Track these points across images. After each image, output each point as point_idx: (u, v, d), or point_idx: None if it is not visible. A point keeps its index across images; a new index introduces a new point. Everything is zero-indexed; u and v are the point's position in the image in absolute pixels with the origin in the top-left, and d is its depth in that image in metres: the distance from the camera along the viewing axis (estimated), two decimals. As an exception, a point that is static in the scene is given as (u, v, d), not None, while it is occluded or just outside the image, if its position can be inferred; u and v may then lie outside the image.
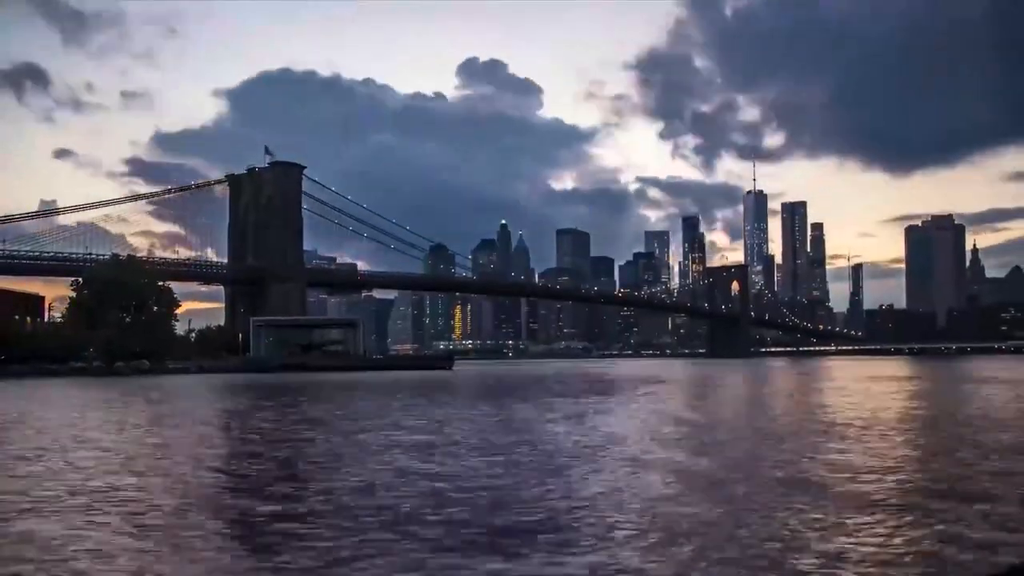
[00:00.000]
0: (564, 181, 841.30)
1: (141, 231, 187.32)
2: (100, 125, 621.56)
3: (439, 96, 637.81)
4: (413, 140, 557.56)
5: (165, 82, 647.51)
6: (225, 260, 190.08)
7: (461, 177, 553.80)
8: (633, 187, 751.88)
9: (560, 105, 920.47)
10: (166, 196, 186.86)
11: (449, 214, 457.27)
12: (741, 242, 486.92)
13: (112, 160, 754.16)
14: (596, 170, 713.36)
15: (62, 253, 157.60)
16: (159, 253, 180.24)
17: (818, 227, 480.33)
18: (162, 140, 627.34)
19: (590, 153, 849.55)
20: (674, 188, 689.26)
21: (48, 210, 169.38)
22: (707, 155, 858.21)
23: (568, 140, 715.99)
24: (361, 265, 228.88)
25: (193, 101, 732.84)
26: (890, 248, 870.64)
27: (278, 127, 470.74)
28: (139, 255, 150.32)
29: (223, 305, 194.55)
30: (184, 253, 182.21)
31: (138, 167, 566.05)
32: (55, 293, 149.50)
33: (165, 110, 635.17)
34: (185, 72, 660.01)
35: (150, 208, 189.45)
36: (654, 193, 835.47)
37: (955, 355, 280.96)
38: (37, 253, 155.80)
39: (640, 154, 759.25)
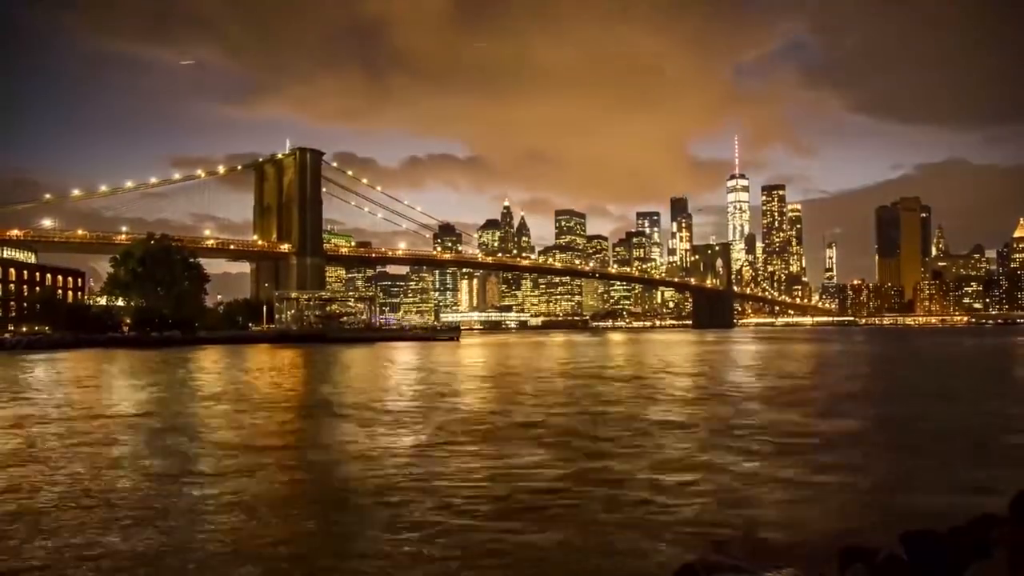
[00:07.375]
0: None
1: (173, 212, 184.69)
2: None
3: None
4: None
5: None
6: (251, 238, 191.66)
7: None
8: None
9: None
10: (196, 180, 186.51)
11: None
12: (726, 221, 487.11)
13: None
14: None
15: (101, 232, 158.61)
16: (191, 232, 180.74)
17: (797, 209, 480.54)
18: None
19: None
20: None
21: (88, 194, 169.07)
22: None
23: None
24: (375, 243, 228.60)
25: None
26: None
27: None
28: (171, 234, 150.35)
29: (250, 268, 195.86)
30: (214, 232, 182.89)
31: None
32: (95, 268, 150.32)
33: None
34: None
35: (181, 191, 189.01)
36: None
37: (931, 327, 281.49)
38: (80, 232, 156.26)
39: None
